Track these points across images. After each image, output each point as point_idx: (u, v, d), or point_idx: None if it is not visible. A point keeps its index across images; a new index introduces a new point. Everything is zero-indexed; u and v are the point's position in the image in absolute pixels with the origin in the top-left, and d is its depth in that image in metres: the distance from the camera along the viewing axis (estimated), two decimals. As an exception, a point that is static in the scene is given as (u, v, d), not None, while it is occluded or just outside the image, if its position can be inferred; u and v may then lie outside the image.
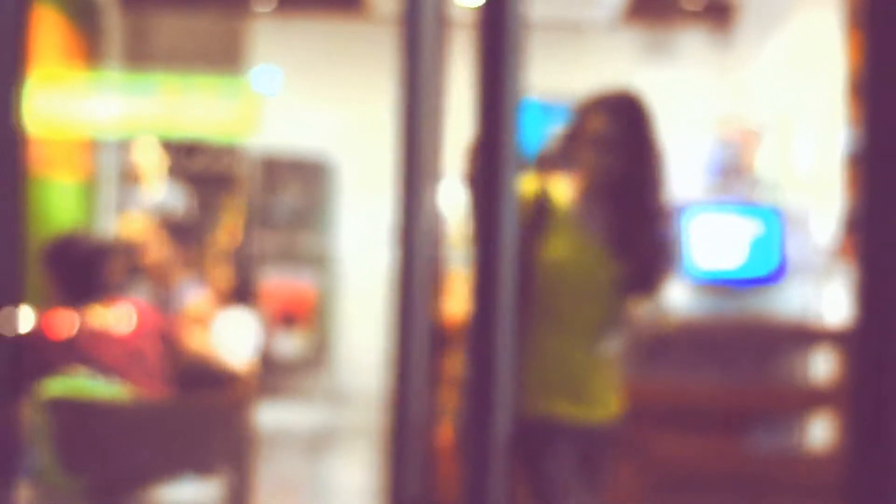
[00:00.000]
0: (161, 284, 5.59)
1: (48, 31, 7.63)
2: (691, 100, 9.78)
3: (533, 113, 11.95)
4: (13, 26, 3.49)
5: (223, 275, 6.18)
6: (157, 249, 5.67)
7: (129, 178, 8.22)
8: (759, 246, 5.83)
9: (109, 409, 4.33)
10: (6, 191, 3.56)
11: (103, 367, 4.51)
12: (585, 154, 3.57)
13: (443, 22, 3.66)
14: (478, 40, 3.57)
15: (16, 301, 3.68)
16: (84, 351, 4.54)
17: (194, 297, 5.64)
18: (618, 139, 3.53)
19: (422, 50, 3.62)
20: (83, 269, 4.69)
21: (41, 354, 4.49)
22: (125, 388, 4.48)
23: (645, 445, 5.48)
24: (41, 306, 4.83)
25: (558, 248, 3.60)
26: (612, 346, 3.75)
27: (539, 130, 12.99)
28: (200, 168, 8.98)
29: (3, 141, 3.55)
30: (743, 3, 9.96)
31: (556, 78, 10.05)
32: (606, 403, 3.74)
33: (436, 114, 3.68)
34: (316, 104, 9.51)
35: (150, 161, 8.07)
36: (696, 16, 9.81)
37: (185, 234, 6.10)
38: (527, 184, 3.57)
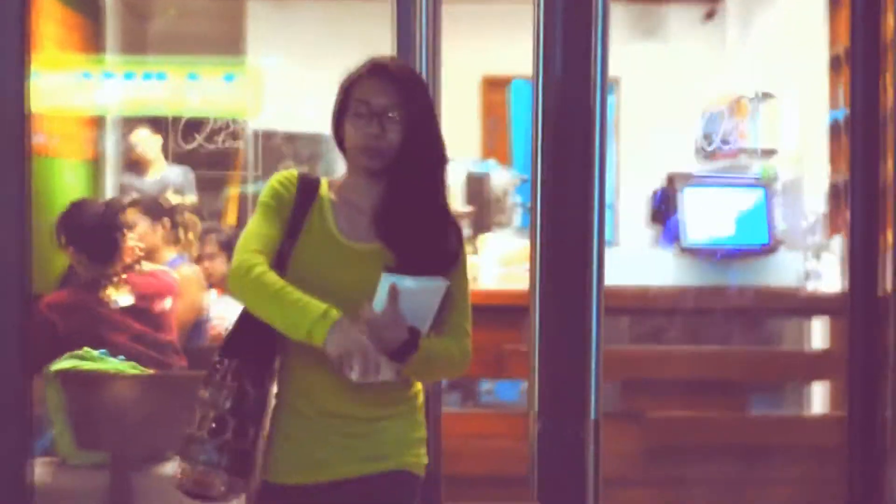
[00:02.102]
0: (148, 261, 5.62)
1: (49, 18, 7.67)
2: (681, 75, 9.83)
3: (525, 90, 11.97)
4: (15, 13, 3.55)
5: (222, 264, 6.22)
6: (149, 232, 5.72)
7: (129, 159, 8.27)
8: (750, 217, 5.89)
9: (120, 382, 4.38)
10: (12, 172, 3.62)
11: (116, 346, 4.59)
12: (349, 127, 3.07)
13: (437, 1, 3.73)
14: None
15: (25, 280, 3.74)
16: (97, 331, 4.61)
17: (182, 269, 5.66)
18: (384, 104, 3.04)
19: (416, 26, 3.69)
20: (102, 229, 4.78)
21: (53, 334, 4.56)
22: (139, 363, 4.54)
23: (643, 413, 5.56)
24: (52, 285, 4.92)
25: (311, 246, 3.08)
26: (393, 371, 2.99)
27: (530, 106, 12.89)
28: (199, 148, 9.01)
29: (9, 123, 3.60)
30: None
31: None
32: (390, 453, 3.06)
33: (433, 88, 3.74)
34: (315, 83, 9.52)
35: (150, 142, 8.11)
36: (684, -9, 9.87)
37: (173, 213, 6.16)
38: (289, 171, 3.16)
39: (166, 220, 5.86)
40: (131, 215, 5.13)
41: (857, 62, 3.82)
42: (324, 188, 3.14)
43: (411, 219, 3.06)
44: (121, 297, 4.75)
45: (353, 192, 3.13)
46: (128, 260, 4.87)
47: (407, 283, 2.95)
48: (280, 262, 3.03)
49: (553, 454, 3.74)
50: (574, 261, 3.93)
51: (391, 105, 3.04)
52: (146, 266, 5.03)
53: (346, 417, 3.01)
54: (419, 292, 2.97)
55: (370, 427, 3.03)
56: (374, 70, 3.08)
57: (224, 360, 3.03)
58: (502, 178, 7.82)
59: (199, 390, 3.01)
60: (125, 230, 4.91)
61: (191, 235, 6.17)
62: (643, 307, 5.78)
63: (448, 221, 3.13)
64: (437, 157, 3.11)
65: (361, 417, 3.01)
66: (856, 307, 3.82)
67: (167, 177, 8.10)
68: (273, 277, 2.93)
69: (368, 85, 3.07)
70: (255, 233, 3.04)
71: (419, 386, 3.15)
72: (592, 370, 3.71)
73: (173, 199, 7.55)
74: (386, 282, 2.94)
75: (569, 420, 3.58)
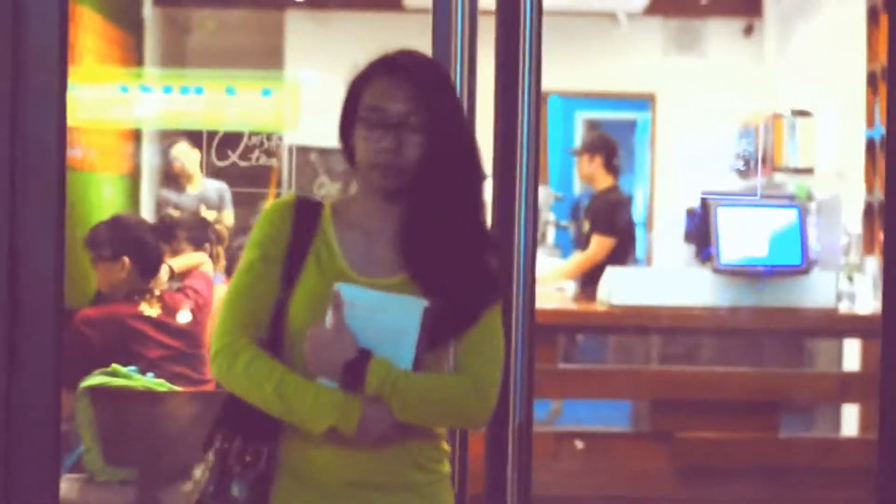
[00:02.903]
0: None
1: (89, 31, 7.73)
2: (719, 90, 9.81)
3: (560, 106, 11.98)
4: (56, 25, 3.58)
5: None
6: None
7: (167, 173, 8.30)
8: (784, 237, 5.87)
9: (149, 399, 4.40)
10: (48, 185, 3.65)
11: (149, 361, 4.61)
12: (360, 141, 2.52)
13: (474, 12, 3.74)
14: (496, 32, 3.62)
15: (59, 295, 3.77)
16: (129, 346, 4.64)
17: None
18: (400, 111, 2.49)
19: (453, 40, 3.69)
20: (154, 241, 4.83)
21: (85, 350, 4.58)
22: (170, 378, 4.56)
23: (676, 432, 5.54)
24: (87, 299, 4.95)
25: (314, 291, 2.52)
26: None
27: (568, 123, 12.98)
28: (233, 166, 9.05)
29: (45, 137, 3.64)
30: (771, -7, 9.99)
31: (585, 69, 10.11)
32: None
33: (468, 104, 3.74)
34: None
35: (189, 157, 8.15)
36: (724, 5, 9.84)
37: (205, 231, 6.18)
38: (285, 197, 2.64)
39: (207, 246, 5.89)
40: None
41: (894, 78, 3.78)
42: (327, 214, 2.59)
43: (441, 244, 2.52)
44: (154, 311, 4.78)
45: (365, 216, 2.57)
46: (165, 277, 4.91)
47: (364, 294, 2.45)
48: (279, 316, 2.53)
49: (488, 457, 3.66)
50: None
51: (409, 111, 2.49)
52: (181, 281, 5.06)
53: (358, 485, 2.50)
54: (381, 309, 2.45)
55: (391, 498, 2.53)
56: (387, 68, 2.53)
57: (226, 440, 2.55)
58: (540, 196, 7.80)
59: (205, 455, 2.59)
60: (169, 247, 4.96)
61: (219, 249, 6.19)
62: (676, 327, 5.77)
63: (487, 245, 2.57)
64: (469, 172, 2.55)
65: (377, 485, 2.51)
66: (888, 328, 3.79)
67: (205, 192, 8.13)
68: (265, 368, 2.46)
69: (380, 87, 2.51)
70: (239, 294, 2.53)
71: (445, 450, 2.63)
72: (516, 375, 3.55)
73: (209, 215, 7.59)
74: (338, 289, 2.46)
75: (491, 425, 3.43)
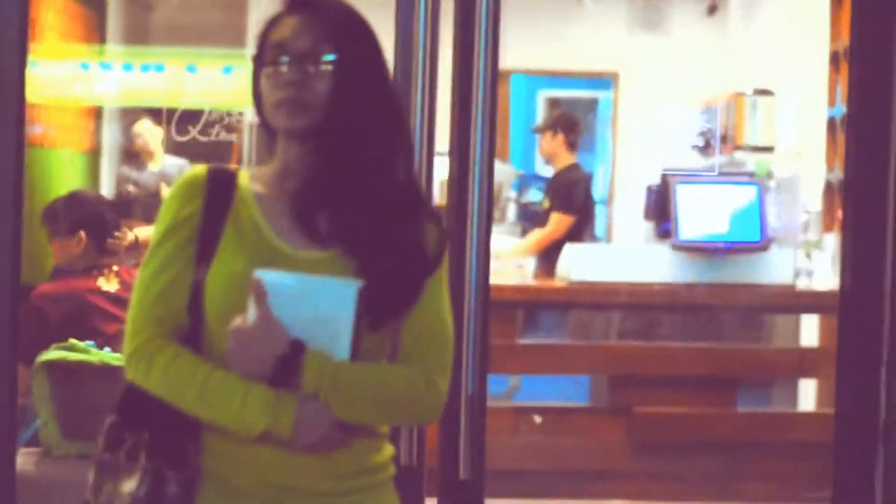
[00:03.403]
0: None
1: (51, 8, 7.69)
2: (682, 69, 9.84)
3: (523, 84, 11.98)
4: (15, 3, 3.56)
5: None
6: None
7: (129, 150, 8.28)
8: (744, 214, 5.90)
9: (106, 373, 4.38)
10: (6, 161, 3.63)
11: (105, 336, 4.60)
12: (265, 83, 2.26)
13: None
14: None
15: (15, 270, 3.75)
16: (87, 320, 4.63)
17: None
18: (307, 47, 2.23)
19: (416, 19, 3.69)
20: (113, 217, 4.82)
21: (42, 325, 4.57)
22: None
23: (634, 407, 5.57)
24: (46, 276, 4.93)
25: (235, 268, 2.22)
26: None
27: (530, 101, 12.97)
28: (194, 140, 9.04)
29: (5, 113, 3.62)
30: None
31: (548, 47, 10.11)
32: None
33: (430, 84, 3.75)
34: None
35: (152, 134, 8.13)
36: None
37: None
38: (193, 171, 2.31)
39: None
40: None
41: (857, 57, 3.80)
42: (244, 182, 2.29)
43: (369, 203, 2.24)
44: (112, 287, 4.77)
45: (287, 177, 2.28)
46: (125, 252, 4.89)
47: (289, 279, 2.17)
48: (198, 301, 2.23)
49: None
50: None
51: (314, 44, 2.23)
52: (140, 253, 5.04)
53: (296, 492, 2.22)
54: (310, 294, 2.17)
55: None
56: (294, 6, 2.27)
57: (129, 434, 2.26)
58: (499, 173, 7.82)
59: (97, 456, 2.29)
60: (129, 223, 4.94)
61: None
62: (635, 303, 5.80)
63: (421, 210, 2.30)
64: (389, 118, 2.28)
65: (317, 492, 2.23)
66: (845, 304, 3.82)
67: (166, 169, 8.11)
68: (185, 369, 2.18)
69: (287, 25, 2.25)
70: (148, 286, 2.24)
71: (389, 451, 2.34)
72: (469, 347, 3.55)
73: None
74: (262, 279, 2.16)
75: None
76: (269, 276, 2.16)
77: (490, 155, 3.63)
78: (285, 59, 2.22)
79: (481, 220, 3.57)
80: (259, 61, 2.26)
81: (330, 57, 2.22)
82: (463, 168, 3.61)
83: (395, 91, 2.35)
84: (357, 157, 2.24)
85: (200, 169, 2.28)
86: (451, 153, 3.66)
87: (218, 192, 2.26)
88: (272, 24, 2.27)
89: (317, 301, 2.18)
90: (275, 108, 2.23)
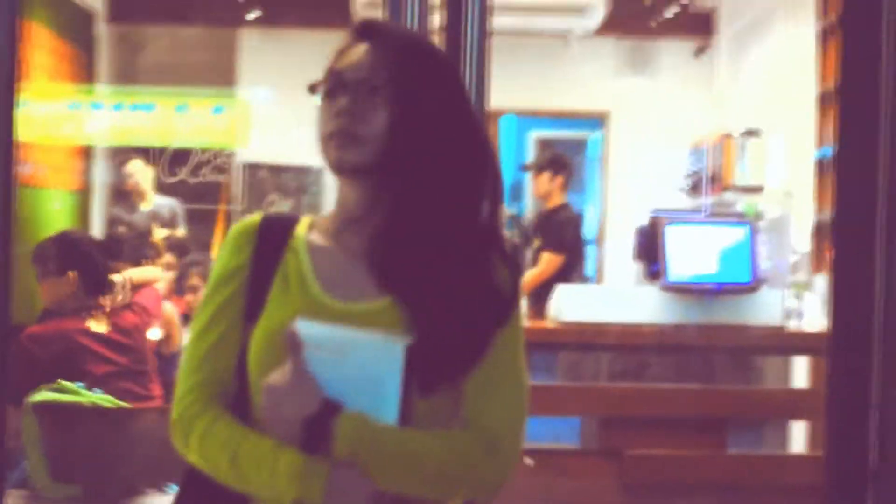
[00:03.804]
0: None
1: (41, 49, 7.71)
2: (670, 110, 9.88)
3: (514, 125, 12.01)
4: (5, 42, 3.57)
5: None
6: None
7: (120, 190, 8.29)
8: (734, 255, 5.90)
9: (96, 415, 4.37)
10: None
11: (95, 378, 4.58)
12: (319, 115, 2.07)
13: (425, 32, 3.75)
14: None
15: (5, 311, 3.74)
16: (76, 363, 4.61)
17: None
18: (360, 75, 2.02)
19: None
20: (86, 259, 4.79)
21: (32, 367, 4.55)
22: (117, 394, 4.54)
23: (624, 449, 5.56)
24: (35, 316, 4.91)
25: (280, 310, 2.04)
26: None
27: (521, 141, 13.00)
28: (183, 182, 9.05)
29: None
30: (723, 15, 10.07)
31: (538, 88, 10.15)
32: None
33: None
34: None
35: (143, 174, 8.14)
36: (676, 27, 9.92)
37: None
38: (247, 219, 2.16)
39: (143, 262, 5.89)
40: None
41: (844, 98, 3.81)
42: (301, 231, 2.11)
43: (429, 251, 2.00)
44: (102, 328, 4.75)
45: (342, 225, 2.08)
46: (118, 296, 4.87)
47: (329, 332, 1.95)
48: (244, 360, 2.06)
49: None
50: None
51: (370, 70, 2.01)
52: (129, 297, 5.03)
53: None
54: (353, 350, 1.94)
55: None
56: (359, 33, 2.07)
57: None
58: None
59: None
60: (120, 264, 4.93)
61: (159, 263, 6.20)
62: (625, 344, 5.79)
63: (493, 253, 2.04)
64: (464, 157, 2.04)
65: None
66: (835, 346, 3.82)
67: (157, 209, 8.11)
68: (221, 437, 2.00)
69: (349, 53, 2.04)
70: (194, 346, 2.09)
71: None
72: None
73: (161, 232, 7.58)
74: (300, 331, 1.96)
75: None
76: (307, 328, 1.94)
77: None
78: (339, 87, 2.02)
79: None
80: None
81: (386, 86, 2.00)
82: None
83: (474, 127, 2.08)
84: (421, 199, 2.01)
85: (256, 216, 2.12)
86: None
87: (271, 241, 2.08)
88: (339, 53, 2.06)
89: (360, 358, 1.93)
90: (325, 141, 2.03)
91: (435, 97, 2.03)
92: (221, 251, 2.12)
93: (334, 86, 2.02)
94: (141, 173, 8.11)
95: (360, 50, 2.03)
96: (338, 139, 2.01)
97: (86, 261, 4.78)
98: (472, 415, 1.99)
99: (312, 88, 2.07)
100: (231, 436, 1.99)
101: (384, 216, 2.02)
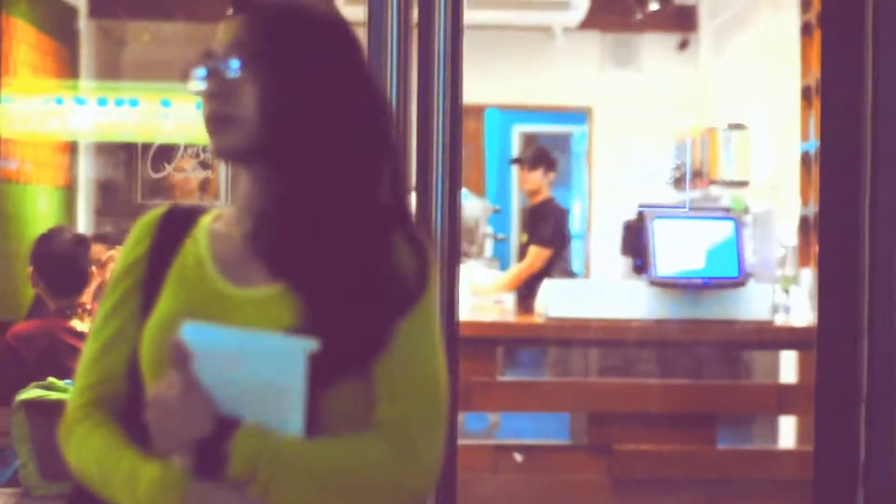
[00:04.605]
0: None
1: (23, 43, 7.67)
2: (655, 104, 9.87)
3: (497, 119, 12.02)
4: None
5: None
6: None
7: (108, 185, 8.26)
8: (721, 250, 5.90)
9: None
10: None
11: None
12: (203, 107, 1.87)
13: (408, 25, 3.75)
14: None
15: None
16: (62, 361, 4.59)
17: None
18: (230, 48, 1.86)
19: (387, 54, 3.69)
20: (69, 261, 4.75)
21: (19, 364, 4.54)
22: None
23: (614, 445, 5.56)
24: (24, 313, 4.90)
25: (173, 301, 1.88)
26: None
27: (505, 136, 13.00)
28: (170, 177, 9.03)
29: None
30: (706, 8, 10.07)
31: (522, 83, 10.14)
32: None
33: (402, 117, 3.75)
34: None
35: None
36: (659, 21, 9.91)
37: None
38: (150, 212, 1.98)
39: None
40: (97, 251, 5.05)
41: (827, 91, 3.81)
42: (205, 220, 1.95)
43: (322, 234, 1.83)
44: (85, 326, 4.73)
45: (241, 212, 1.92)
46: (94, 293, 4.84)
47: (222, 336, 1.74)
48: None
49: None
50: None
51: (241, 50, 1.84)
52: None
53: None
54: (249, 356, 1.71)
55: None
56: (233, 6, 1.91)
57: None
58: (475, 208, 7.83)
59: None
60: (93, 264, 4.87)
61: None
62: (613, 339, 5.79)
63: (397, 235, 1.86)
64: (356, 133, 1.85)
65: None
66: (823, 340, 3.82)
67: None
68: (94, 442, 1.85)
69: (220, 30, 1.89)
70: (89, 347, 1.95)
71: None
72: None
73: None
74: (182, 334, 1.75)
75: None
76: (195, 332, 1.73)
77: (453, 191, 3.63)
78: (211, 68, 1.84)
79: (445, 256, 3.56)
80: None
81: (256, 61, 1.83)
82: (425, 204, 3.61)
83: (370, 101, 1.89)
84: (307, 180, 1.83)
85: (160, 208, 1.96)
86: (416, 189, 3.65)
87: (172, 232, 1.92)
88: (217, 30, 1.90)
89: (257, 364, 1.71)
90: (205, 128, 1.87)
91: (314, 69, 1.84)
92: (123, 245, 1.97)
93: (206, 67, 1.85)
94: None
95: (233, 25, 1.87)
96: (211, 124, 1.85)
97: (52, 262, 4.74)
98: (383, 415, 1.80)
99: (185, 75, 1.89)
100: (102, 446, 1.85)
101: (269, 200, 1.85)
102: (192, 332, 1.72)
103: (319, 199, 1.83)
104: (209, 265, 1.88)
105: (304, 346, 1.70)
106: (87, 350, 1.94)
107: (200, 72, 1.85)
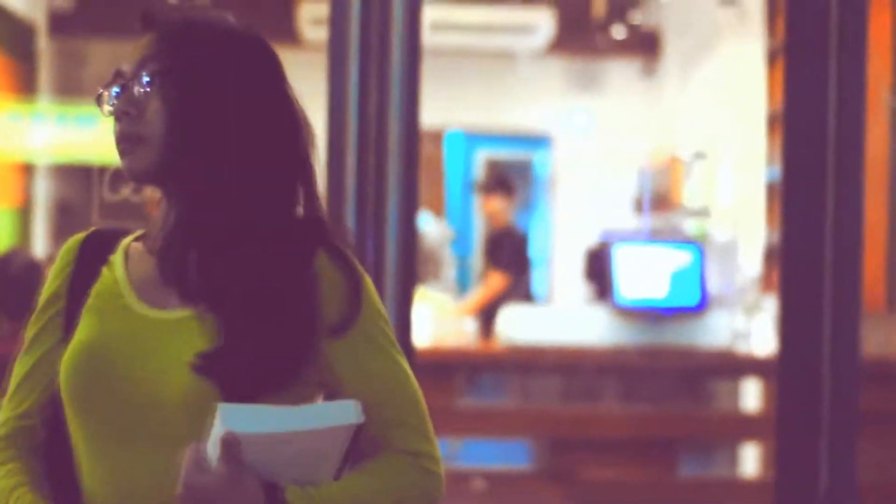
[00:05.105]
0: None
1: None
2: (619, 131, 9.87)
3: (459, 143, 12.00)
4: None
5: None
6: None
7: (64, 207, 8.19)
8: (683, 277, 5.88)
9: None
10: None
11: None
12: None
13: (369, 49, 3.71)
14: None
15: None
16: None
17: None
18: (132, 69, 1.80)
19: (349, 75, 3.66)
20: (22, 281, 4.68)
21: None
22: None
23: (575, 471, 5.52)
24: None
25: (88, 327, 1.82)
26: None
27: (468, 160, 12.96)
28: (127, 200, 8.93)
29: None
30: (669, 35, 10.08)
31: (484, 107, 10.12)
32: None
33: (375, 142, 3.72)
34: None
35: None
36: (623, 47, 9.91)
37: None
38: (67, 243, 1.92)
39: None
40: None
41: (791, 120, 3.80)
42: (126, 241, 1.89)
43: (225, 254, 1.79)
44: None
45: (158, 233, 1.85)
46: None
47: (263, 417, 1.66)
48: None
49: None
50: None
51: (146, 67, 1.79)
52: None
53: None
54: (296, 438, 1.68)
55: None
56: (142, 23, 1.84)
57: None
58: (436, 232, 7.81)
59: None
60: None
61: None
62: (574, 365, 5.76)
63: (316, 251, 1.81)
64: (267, 147, 1.80)
65: None
66: (784, 368, 3.80)
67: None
68: (1, 483, 1.81)
69: (131, 49, 1.83)
70: (14, 375, 1.89)
71: None
72: None
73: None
74: (224, 421, 1.65)
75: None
76: (233, 415, 1.65)
77: (408, 214, 3.60)
78: (118, 87, 1.80)
79: (399, 282, 3.51)
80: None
81: (160, 77, 1.78)
82: (380, 227, 3.58)
83: (279, 115, 1.84)
84: (210, 199, 1.78)
85: (78, 235, 1.90)
86: (371, 211, 3.63)
87: (93, 256, 1.87)
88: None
89: (304, 438, 1.68)
90: (115, 148, 1.80)
91: (222, 85, 1.79)
92: (49, 273, 1.92)
93: (117, 86, 1.80)
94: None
95: (143, 42, 1.81)
96: (121, 144, 1.79)
97: (7, 285, 4.67)
98: (390, 440, 1.79)
99: (99, 98, 1.83)
100: (5, 487, 1.80)
101: (175, 221, 1.80)
102: (230, 416, 1.65)
103: (224, 219, 1.78)
104: (125, 288, 1.83)
105: (349, 418, 1.68)
106: (12, 379, 1.88)
107: (112, 91, 1.80)
